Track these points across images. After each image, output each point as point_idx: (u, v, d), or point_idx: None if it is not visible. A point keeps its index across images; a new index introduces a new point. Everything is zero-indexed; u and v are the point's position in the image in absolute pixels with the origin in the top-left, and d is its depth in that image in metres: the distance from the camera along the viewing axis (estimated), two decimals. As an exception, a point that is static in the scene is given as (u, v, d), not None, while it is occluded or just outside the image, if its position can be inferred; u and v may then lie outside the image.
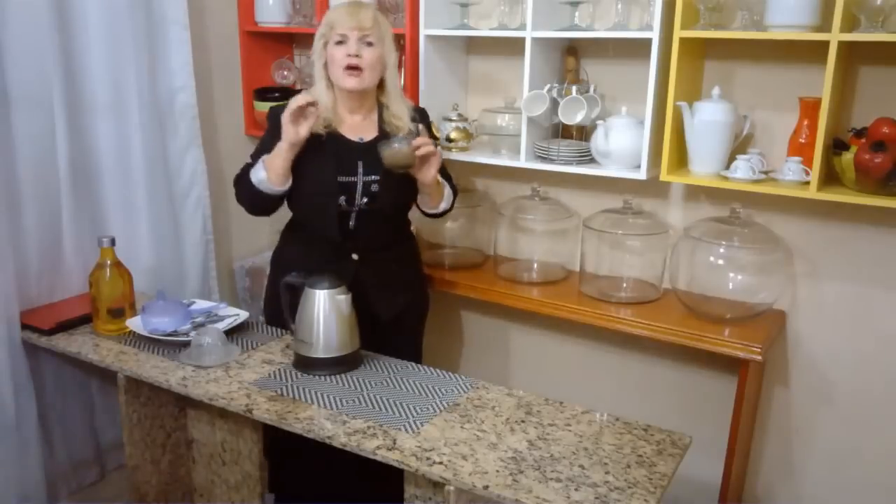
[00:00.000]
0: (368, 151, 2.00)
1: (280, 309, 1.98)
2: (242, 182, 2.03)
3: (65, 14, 2.16)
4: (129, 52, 2.32)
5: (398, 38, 2.29)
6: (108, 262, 2.06)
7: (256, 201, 2.03)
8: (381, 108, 2.08)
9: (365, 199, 2.01)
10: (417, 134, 1.94)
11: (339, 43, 1.96)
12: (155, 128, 2.44)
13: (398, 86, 2.10)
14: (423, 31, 2.41)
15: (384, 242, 2.10)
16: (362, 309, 2.03)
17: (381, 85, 2.06)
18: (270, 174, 1.95)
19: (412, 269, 2.26)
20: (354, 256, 2.07)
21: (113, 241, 2.08)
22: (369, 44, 1.96)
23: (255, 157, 2.05)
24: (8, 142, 2.08)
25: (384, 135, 2.04)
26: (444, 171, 2.19)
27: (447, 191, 2.13)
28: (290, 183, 1.98)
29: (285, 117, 1.89)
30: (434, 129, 2.37)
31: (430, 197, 2.05)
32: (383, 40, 1.99)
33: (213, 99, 2.76)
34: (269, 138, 2.03)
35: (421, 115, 2.15)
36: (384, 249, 2.11)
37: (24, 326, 2.11)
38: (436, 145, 1.98)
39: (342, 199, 2.00)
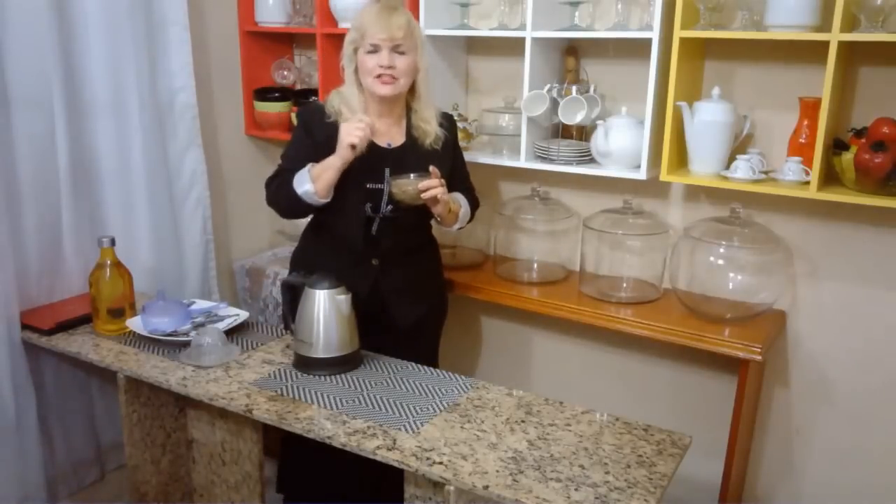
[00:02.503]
0: (395, 158, 1.99)
1: None
2: (282, 189, 1.99)
3: (65, 14, 2.16)
4: (129, 52, 2.33)
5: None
6: (108, 262, 2.06)
7: (296, 209, 2.01)
8: (409, 111, 2.05)
9: (390, 207, 1.99)
10: (431, 173, 1.91)
11: (371, 52, 1.92)
12: (155, 128, 2.44)
13: (429, 90, 2.06)
14: (424, 31, 2.40)
15: (405, 249, 2.08)
16: (380, 315, 2.04)
17: (411, 88, 2.02)
18: (318, 186, 1.92)
19: (432, 275, 2.23)
20: (374, 262, 2.06)
21: (113, 241, 2.08)
22: (402, 53, 1.93)
23: (287, 159, 2.03)
24: (8, 142, 2.08)
25: (412, 140, 2.03)
26: (467, 181, 2.21)
27: (462, 211, 2.10)
28: (332, 194, 1.96)
29: (350, 140, 1.86)
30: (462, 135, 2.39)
31: (442, 220, 2.05)
32: (416, 48, 1.96)
33: (213, 99, 2.76)
34: (300, 138, 2.02)
35: (449, 122, 2.12)
36: (405, 255, 2.09)
37: (24, 326, 2.11)
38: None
39: (368, 205, 1.99)
